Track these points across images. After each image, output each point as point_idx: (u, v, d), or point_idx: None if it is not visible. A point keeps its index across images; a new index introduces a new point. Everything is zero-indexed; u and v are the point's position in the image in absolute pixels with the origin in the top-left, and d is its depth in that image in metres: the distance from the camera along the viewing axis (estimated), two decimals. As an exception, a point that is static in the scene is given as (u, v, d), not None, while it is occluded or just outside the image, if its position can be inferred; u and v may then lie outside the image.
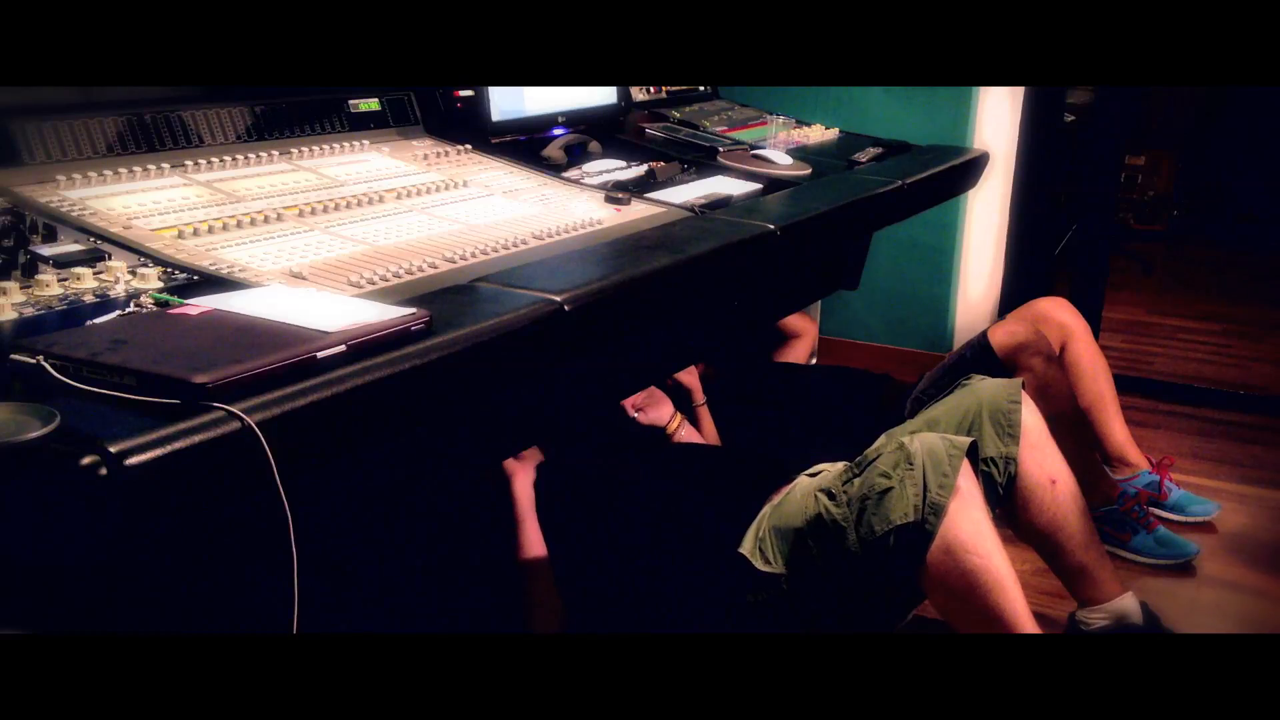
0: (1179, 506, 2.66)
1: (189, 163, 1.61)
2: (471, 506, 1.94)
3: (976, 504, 1.61)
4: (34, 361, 0.97)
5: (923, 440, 1.65)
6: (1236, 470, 2.97)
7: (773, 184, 2.09)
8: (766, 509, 1.78)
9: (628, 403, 2.24)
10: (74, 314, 1.13)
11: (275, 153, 1.72)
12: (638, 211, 1.79)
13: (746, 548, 1.73)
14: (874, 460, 1.65)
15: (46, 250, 1.27)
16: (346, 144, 1.85)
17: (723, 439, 2.40)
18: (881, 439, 2.07)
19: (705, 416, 2.37)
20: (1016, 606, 1.58)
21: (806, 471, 1.90)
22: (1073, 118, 4.32)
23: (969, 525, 1.58)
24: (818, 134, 2.64)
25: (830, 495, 1.66)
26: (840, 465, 1.96)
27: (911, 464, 1.60)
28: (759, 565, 1.70)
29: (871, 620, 1.77)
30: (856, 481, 1.65)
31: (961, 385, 2.05)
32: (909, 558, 1.58)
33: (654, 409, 2.27)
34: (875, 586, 1.65)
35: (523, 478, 1.91)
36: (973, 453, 1.66)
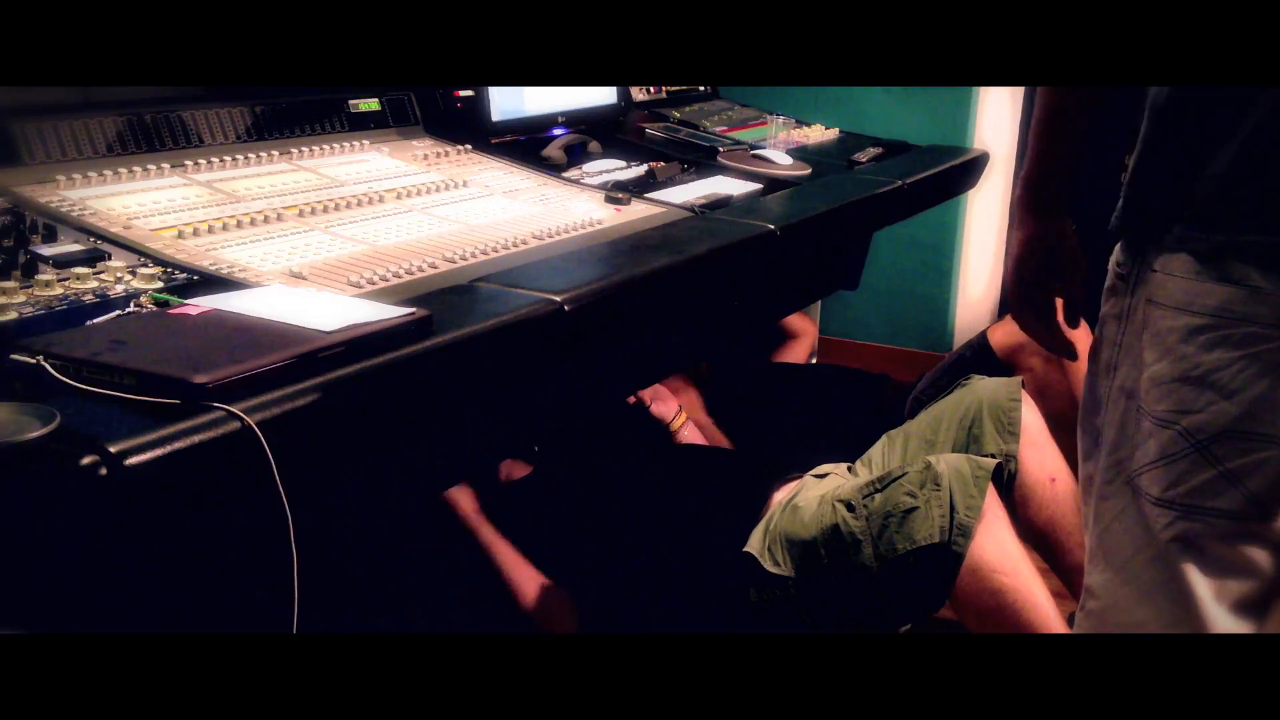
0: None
1: (189, 163, 1.61)
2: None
3: (1003, 524, 1.62)
4: (34, 361, 0.97)
5: (949, 461, 1.65)
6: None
7: (773, 184, 2.09)
8: (775, 509, 1.78)
9: (642, 393, 2.25)
10: (74, 314, 1.13)
11: (275, 153, 1.72)
12: (638, 211, 1.79)
13: (754, 547, 1.73)
14: (899, 478, 1.65)
15: (46, 250, 1.27)
16: (346, 144, 1.85)
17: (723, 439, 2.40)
18: (882, 440, 2.08)
19: (692, 436, 2.36)
20: (1050, 622, 1.58)
21: (812, 472, 1.90)
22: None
23: (994, 546, 1.58)
24: (818, 134, 2.64)
25: (850, 507, 1.66)
26: (845, 467, 1.96)
27: (939, 485, 1.61)
28: (767, 566, 1.70)
29: (874, 631, 1.77)
30: (878, 497, 1.64)
31: (961, 385, 2.06)
32: (930, 578, 1.59)
33: (661, 403, 2.28)
34: (886, 601, 1.65)
35: (466, 498, 1.89)
36: (997, 474, 1.67)
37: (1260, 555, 1.02)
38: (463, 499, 1.88)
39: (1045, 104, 1.20)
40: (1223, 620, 1.03)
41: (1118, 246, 1.14)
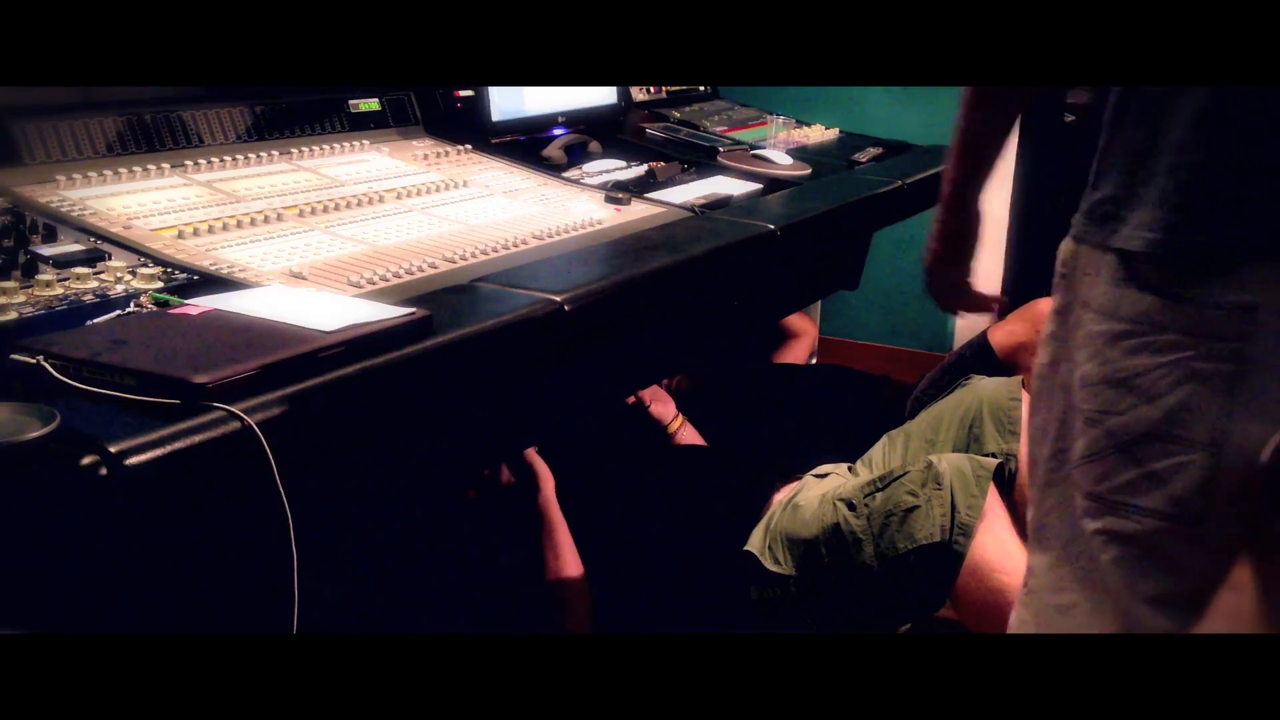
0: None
1: (189, 163, 1.62)
2: (471, 506, 1.94)
3: (1004, 524, 1.62)
4: (34, 361, 0.97)
5: (950, 460, 1.66)
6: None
7: (773, 184, 2.09)
8: (776, 508, 1.78)
9: (642, 394, 2.25)
10: (74, 314, 1.13)
11: (275, 153, 1.72)
12: (638, 211, 1.79)
13: (755, 545, 1.73)
14: (900, 477, 1.65)
15: (46, 250, 1.27)
16: (346, 144, 1.85)
17: (722, 439, 2.39)
18: (882, 439, 2.08)
19: (690, 438, 2.36)
20: None
21: (813, 471, 1.90)
22: (1073, 118, 4.32)
23: (995, 545, 1.59)
24: (818, 134, 2.64)
25: (851, 506, 1.66)
26: (845, 467, 1.96)
27: (940, 484, 1.61)
28: (768, 564, 1.70)
29: (874, 630, 1.77)
30: (879, 496, 1.64)
31: (961, 384, 2.06)
32: (930, 577, 1.59)
33: (659, 404, 2.28)
34: (886, 600, 1.65)
35: (549, 476, 1.91)
36: (998, 473, 1.67)
37: (1185, 555, 1.03)
38: (546, 476, 1.91)
39: (964, 119, 1.37)
40: (1143, 615, 1.05)
41: (1062, 244, 1.16)
